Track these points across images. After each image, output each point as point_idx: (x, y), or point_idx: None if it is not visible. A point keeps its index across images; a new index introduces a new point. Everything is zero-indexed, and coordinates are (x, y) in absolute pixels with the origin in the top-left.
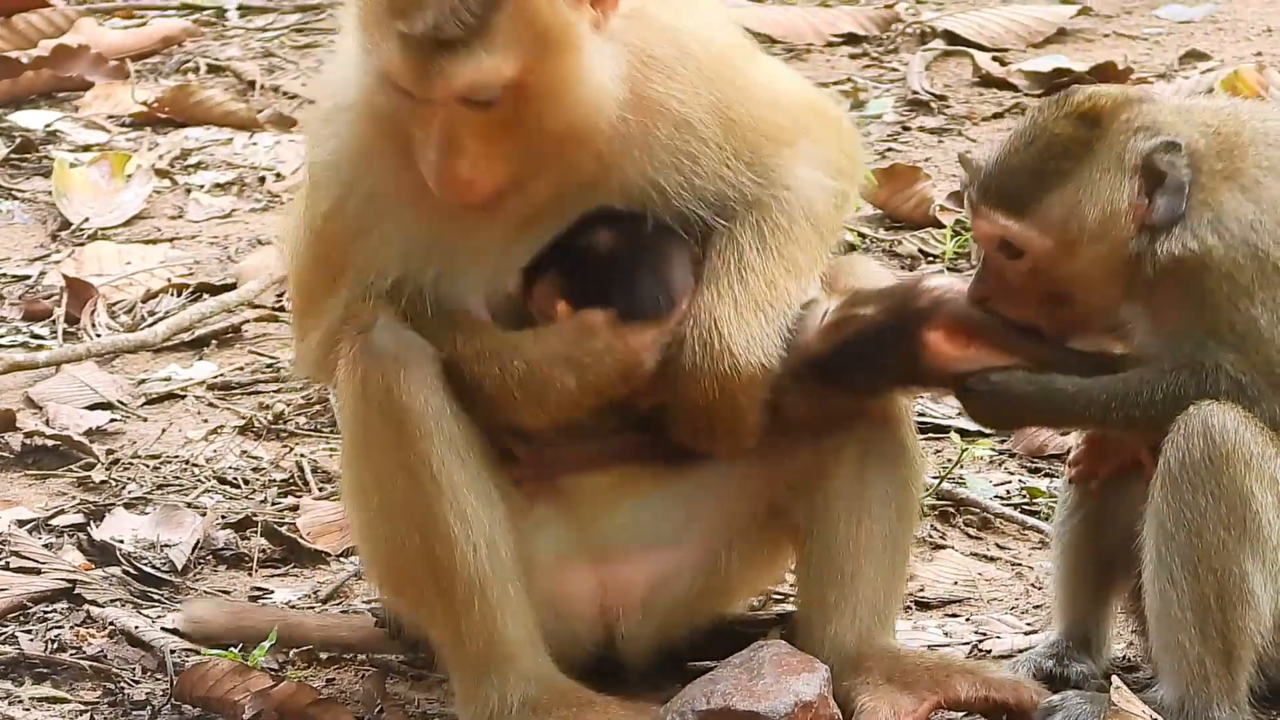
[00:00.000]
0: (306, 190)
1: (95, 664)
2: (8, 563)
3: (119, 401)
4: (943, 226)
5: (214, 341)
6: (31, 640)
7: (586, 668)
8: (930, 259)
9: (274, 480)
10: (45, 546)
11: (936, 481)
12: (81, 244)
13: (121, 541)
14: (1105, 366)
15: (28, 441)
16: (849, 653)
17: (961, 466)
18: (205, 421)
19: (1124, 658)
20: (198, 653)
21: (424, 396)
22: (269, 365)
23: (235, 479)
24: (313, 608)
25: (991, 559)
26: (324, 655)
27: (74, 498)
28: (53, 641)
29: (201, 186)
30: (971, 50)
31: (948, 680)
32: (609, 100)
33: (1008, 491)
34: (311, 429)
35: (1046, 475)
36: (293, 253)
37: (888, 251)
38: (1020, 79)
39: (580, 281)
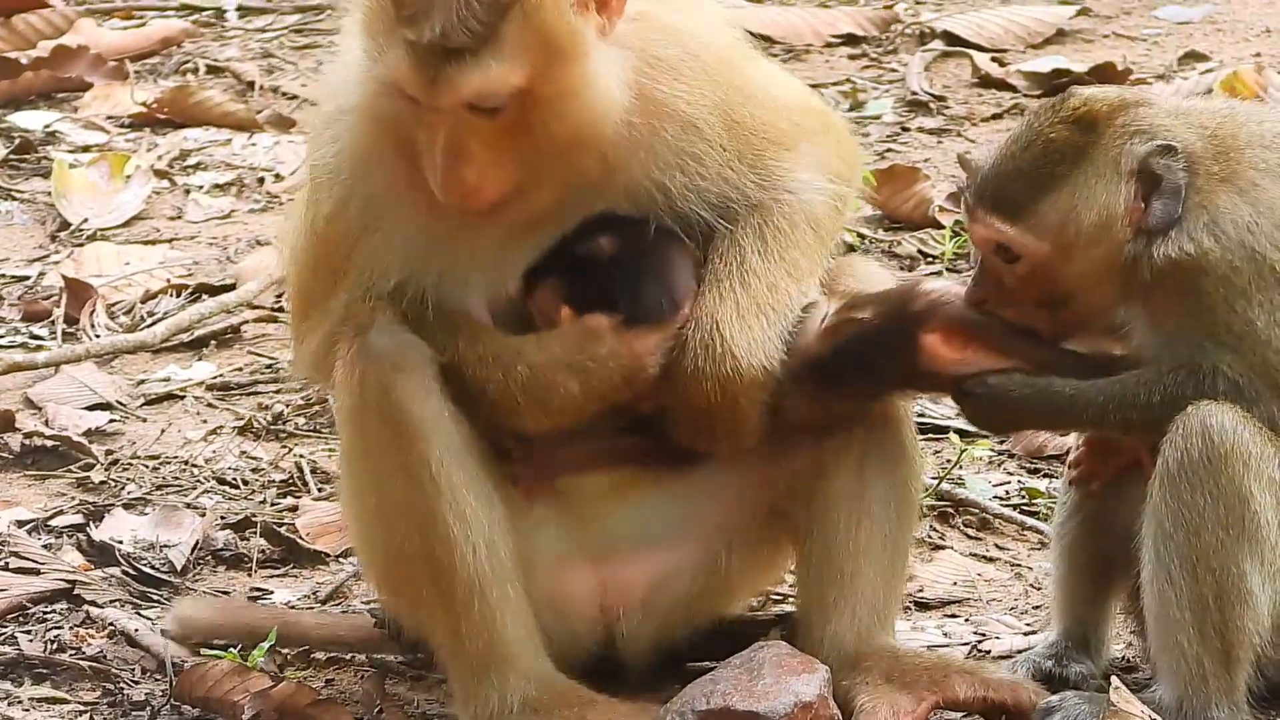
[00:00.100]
0: (308, 192)
1: (95, 664)
2: (7, 563)
3: (118, 402)
4: (942, 227)
5: (213, 342)
6: (31, 641)
7: (586, 668)
8: (929, 260)
9: (273, 481)
10: (45, 547)
11: (936, 482)
12: (81, 245)
13: (121, 542)
14: (1103, 369)
15: (27, 442)
16: (848, 652)
17: (961, 467)
18: (204, 422)
19: (1123, 658)
20: (197, 653)
21: (421, 398)
22: (268, 366)
23: (234, 479)
24: (312, 608)
25: (991, 559)
26: (323, 656)
27: (73, 498)
28: (52, 642)
29: (200, 187)
30: (970, 51)
31: (946, 680)
32: (615, 106)
33: (1007, 492)
34: (311, 429)
35: (1046, 476)
36: (292, 254)
37: (887, 252)
38: (1019, 80)
39: (583, 286)
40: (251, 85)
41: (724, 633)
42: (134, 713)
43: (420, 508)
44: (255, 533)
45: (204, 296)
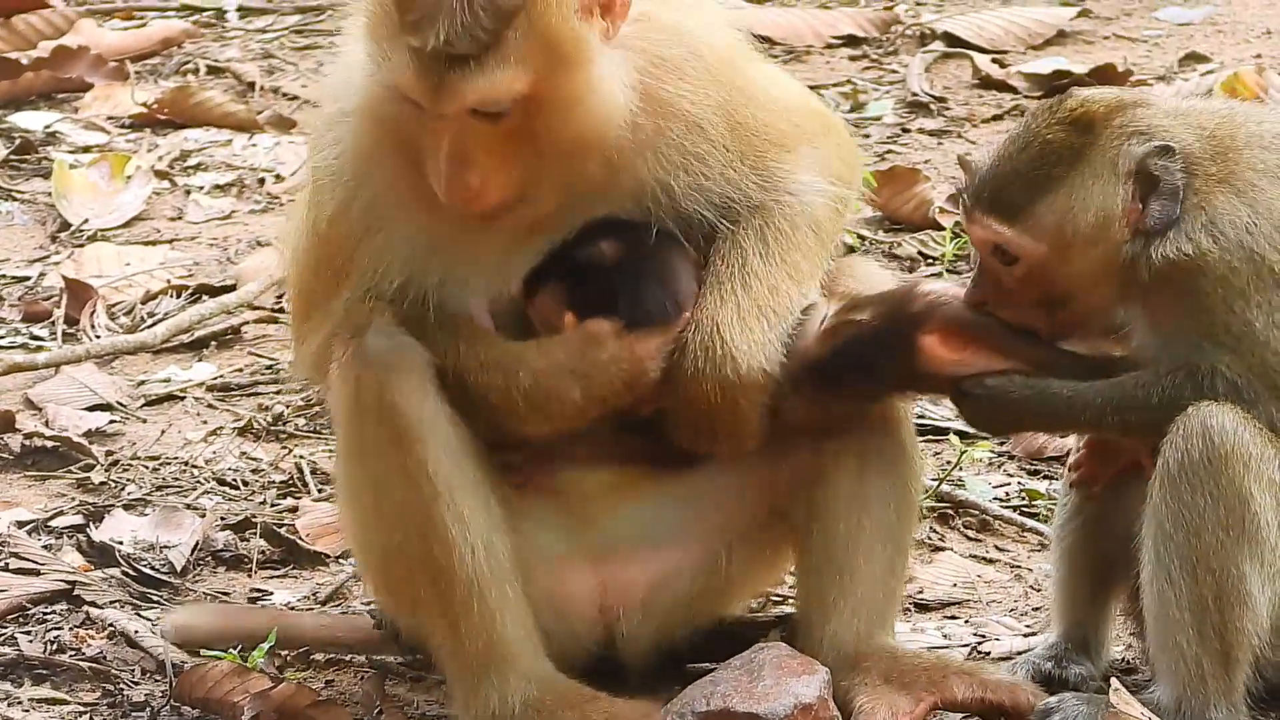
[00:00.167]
0: (310, 194)
1: (94, 665)
2: (7, 564)
3: (118, 403)
4: (942, 228)
5: (213, 343)
6: (31, 641)
7: (586, 668)
8: (930, 261)
9: (273, 482)
10: (45, 548)
11: (936, 484)
12: (81, 245)
13: (121, 543)
14: (1102, 369)
15: (27, 443)
16: (847, 652)
17: (961, 468)
18: (204, 423)
19: (1123, 660)
20: (197, 654)
21: (418, 400)
22: (268, 367)
23: (234, 480)
24: (312, 609)
25: (990, 561)
26: (323, 657)
27: (73, 499)
28: (52, 643)
29: (201, 188)
30: (971, 52)
31: (945, 681)
32: (619, 109)
33: (1007, 494)
34: (311, 430)
35: (1046, 477)
36: (294, 255)
37: (887, 253)
38: (1020, 81)
39: (584, 291)
40: (252, 86)
41: (724, 633)
42: (134, 714)
43: (417, 509)
44: (255, 534)
45: (204, 297)
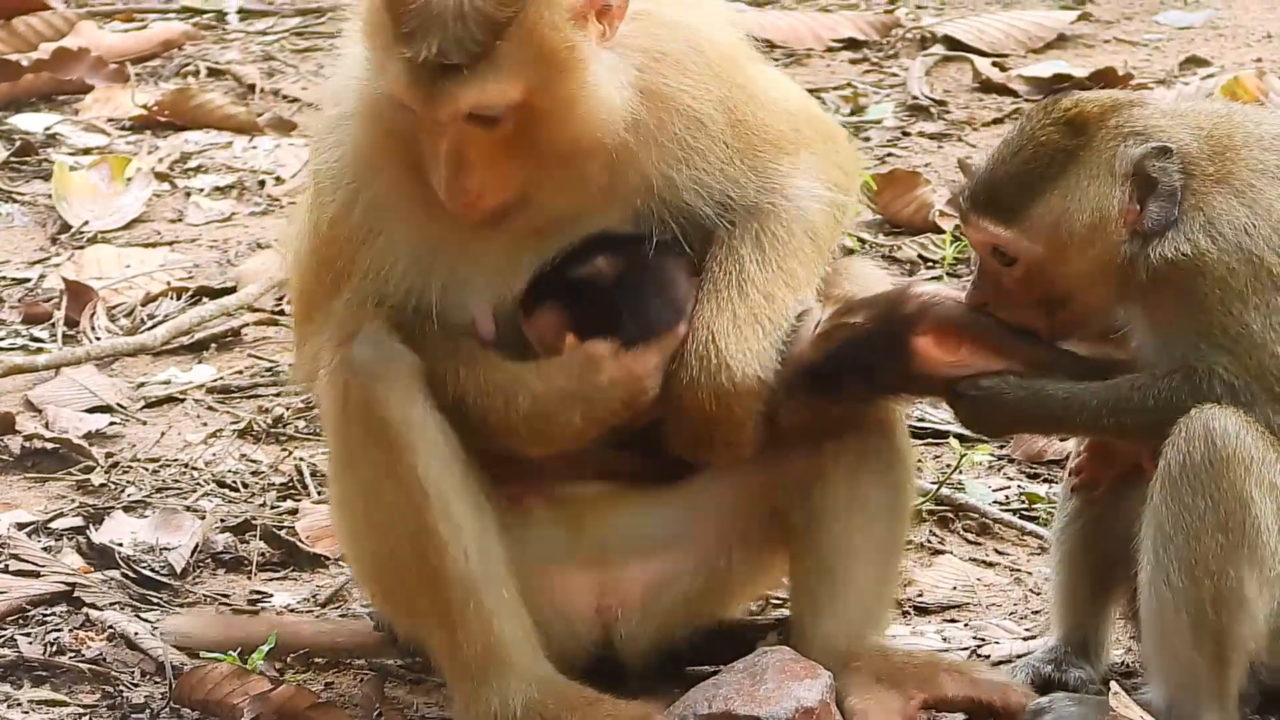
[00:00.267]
0: (311, 197)
1: (94, 667)
2: (7, 565)
3: (118, 404)
4: (942, 231)
5: (213, 345)
6: (30, 643)
7: (585, 670)
8: (930, 264)
9: (273, 484)
10: (44, 549)
11: (935, 487)
12: (81, 247)
13: (121, 545)
14: (1100, 370)
15: (27, 444)
16: (839, 652)
17: (960, 472)
18: (204, 425)
19: (1123, 663)
20: (196, 656)
21: (405, 407)
22: (268, 369)
23: (234, 482)
24: (311, 611)
25: (990, 564)
26: (322, 659)
27: (73, 501)
28: (52, 644)
29: (201, 190)
30: (971, 55)
31: (935, 678)
32: (616, 111)
33: (1006, 497)
34: (310, 432)
35: (1045, 481)
36: (295, 259)
37: (887, 256)
38: (1020, 84)
39: (582, 309)
40: (252, 88)
41: (724, 636)
42: (133, 715)
43: (409, 515)
44: (255, 536)
45: (204, 299)
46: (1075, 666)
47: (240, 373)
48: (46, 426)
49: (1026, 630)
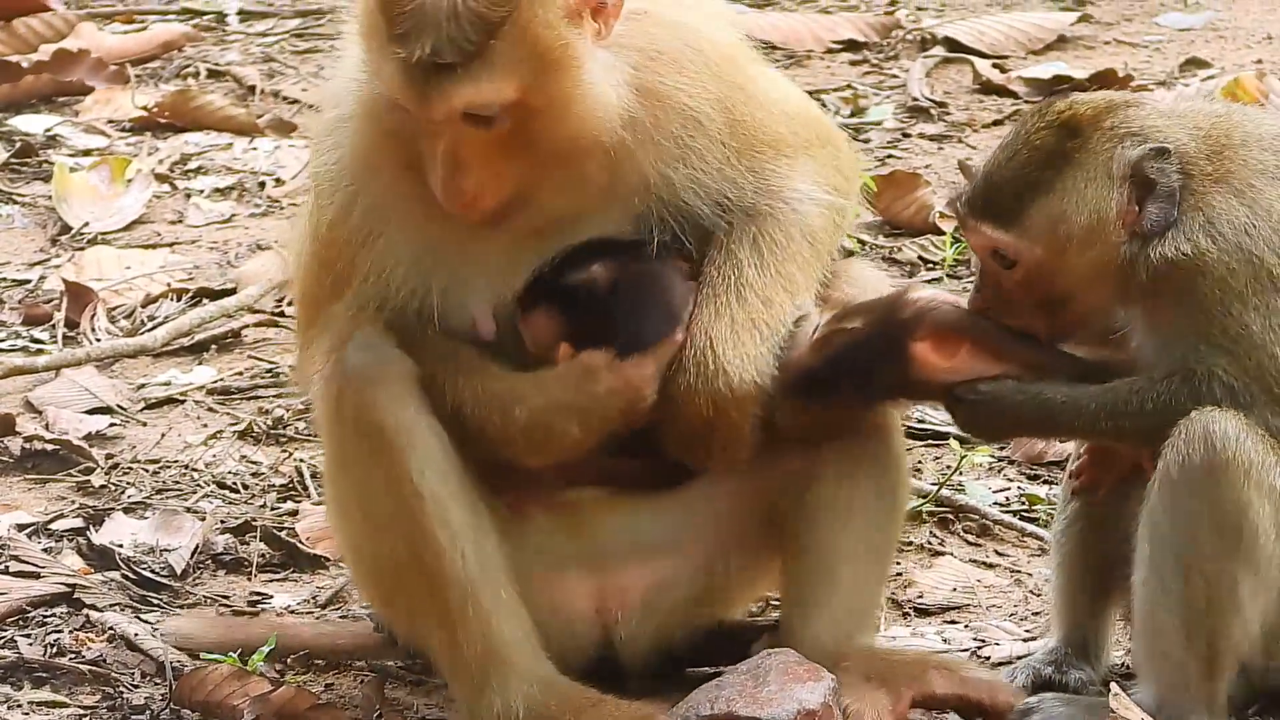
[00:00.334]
0: (311, 200)
1: (94, 668)
2: (7, 567)
3: (118, 406)
4: (942, 233)
5: (213, 346)
6: (30, 644)
7: (585, 671)
8: (930, 265)
9: (273, 485)
10: (44, 551)
11: (936, 488)
12: (81, 248)
13: (121, 546)
14: (1100, 373)
15: (27, 446)
16: (828, 652)
17: (960, 473)
18: (205, 426)
19: (1123, 664)
20: (197, 658)
21: (397, 410)
22: (268, 370)
23: (234, 484)
24: (311, 612)
25: (990, 565)
26: (323, 660)
27: (73, 502)
28: (52, 646)
29: (201, 191)
30: (972, 57)
31: (925, 676)
32: (612, 109)
33: (1007, 498)
34: (311, 434)
35: (1045, 482)
36: (297, 262)
37: (887, 258)
38: (1020, 86)
39: (578, 315)
40: (252, 89)
41: (723, 637)
42: (134, 717)
43: (405, 519)
44: (255, 537)
45: (204, 300)
46: (1075, 668)
47: (240, 374)
48: (47, 428)
49: (1027, 631)
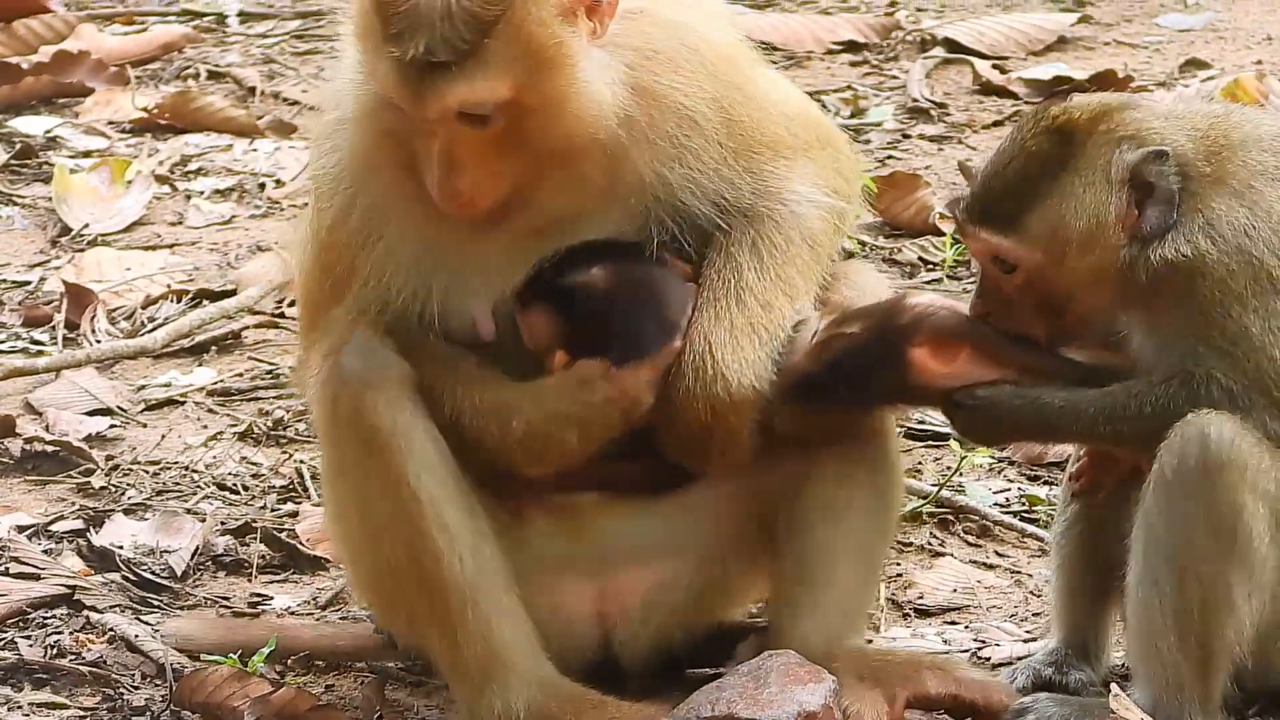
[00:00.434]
0: (311, 203)
1: (94, 670)
2: (7, 568)
3: (119, 407)
4: (942, 234)
5: (214, 347)
6: (31, 646)
7: (585, 673)
8: (930, 266)
9: (273, 486)
10: (45, 552)
11: (936, 489)
12: (81, 250)
13: (121, 547)
14: (1099, 377)
15: (27, 447)
16: (818, 653)
17: (961, 474)
18: (205, 427)
19: (1123, 665)
20: (197, 659)
21: (393, 415)
22: (269, 371)
23: (235, 485)
24: (312, 614)
25: (991, 566)
26: (323, 662)
27: (73, 503)
28: (52, 647)
29: (201, 193)
30: (972, 58)
31: (918, 676)
32: (607, 108)
33: (1007, 499)
34: (311, 435)
35: (1046, 483)
36: (300, 265)
37: (887, 259)
38: (1020, 87)
39: (577, 318)
40: (252, 91)
41: (723, 638)
42: (134, 718)
43: (403, 522)
44: (255, 538)
45: (205, 302)
46: (1076, 669)
47: (240, 375)
48: (47, 429)
49: (1027, 632)
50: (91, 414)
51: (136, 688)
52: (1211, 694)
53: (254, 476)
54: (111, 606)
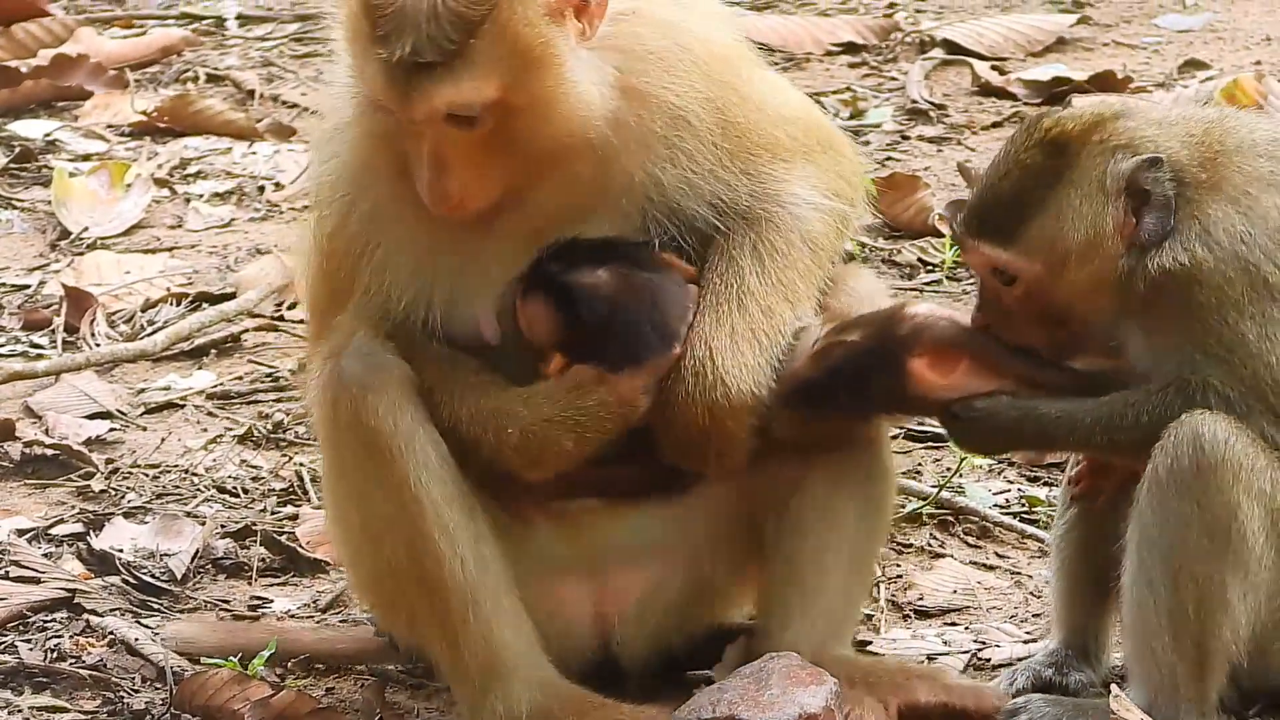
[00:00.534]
0: (313, 211)
1: (95, 673)
2: (7, 572)
3: (118, 411)
4: (941, 235)
5: (213, 351)
6: (31, 650)
7: (585, 675)
8: (929, 268)
9: (273, 489)
10: (45, 556)
11: (936, 490)
12: (81, 253)
13: (121, 551)
14: (1097, 387)
15: (27, 451)
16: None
17: (960, 475)
18: (204, 431)
19: (1123, 666)
20: (197, 662)
21: (393, 419)
22: (268, 374)
23: (234, 488)
24: (312, 617)
25: (991, 568)
26: (323, 665)
27: (73, 507)
28: (52, 651)
29: (201, 196)
30: (971, 59)
31: (908, 684)
32: (596, 109)
33: (1007, 500)
34: (310, 438)
35: (1045, 484)
36: (305, 273)
37: (887, 260)
38: (1019, 88)
39: (576, 319)
40: (251, 94)
41: (722, 639)
42: None
43: (404, 525)
44: (255, 541)
45: (204, 305)
46: (1076, 670)
47: (240, 378)
48: (46, 433)
49: (1027, 633)
50: (91, 417)
51: (137, 691)
52: (1207, 694)
53: (254, 479)
54: (111, 610)
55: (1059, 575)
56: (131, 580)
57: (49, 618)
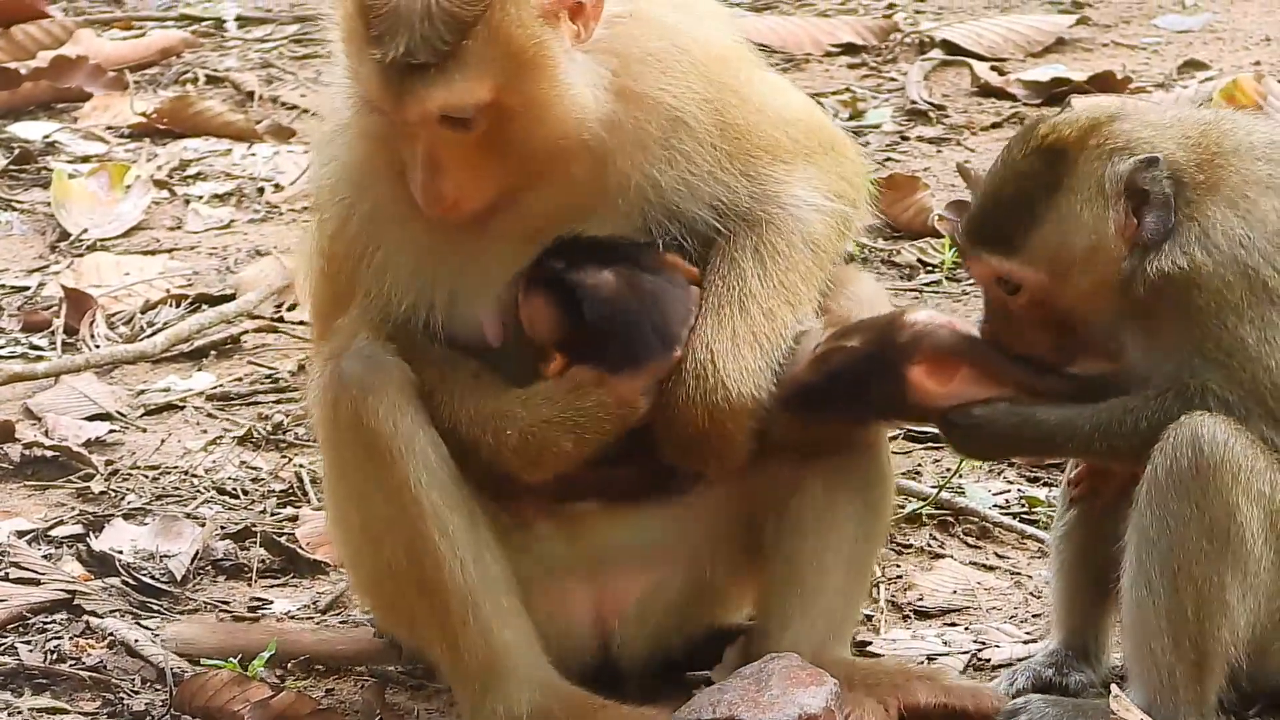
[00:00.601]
0: (313, 213)
1: (95, 675)
2: (7, 573)
3: (118, 412)
4: (941, 236)
5: (213, 352)
6: (31, 651)
7: (585, 677)
8: (929, 268)
9: (273, 491)
10: (44, 557)
11: (936, 491)
12: (80, 255)
13: (121, 552)
14: (1097, 392)
15: (27, 452)
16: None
17: (960, 475)
18: (204, 432)
19: (1123, 667)
20: (197, 663)
21: (393, 421)
22: (268, 376)
23: (234, 489)
24: (312, 618)
25: (991, 568)
26: (323, 666)
27: (73, 508)
28: (52, 652)
29: (200, 197)
30: (970, 60)
31: (908, 685)
32: (590, 111)
33: (1007, 500)
34: (310, 439)
35: (1045, 484)
36: (309, 277)
37: (886, 261)
38: (1019, 88)
39: (577, 319)
40: (251, 95)
41: (722, 640)
42: None
43: (404, 527)
44: (255, 543)
45: (204, 306)
46: (1076, 670)
47: (240, 380)
48: (46, 434)
49: (1027, 634)
50: (91, 419)
51: (137, 692)
52: (1206, 695)
53: (253, 481)
54: (111, 611)
55: (1058, 576)
56: (131, 582)
57: (49, 619)
